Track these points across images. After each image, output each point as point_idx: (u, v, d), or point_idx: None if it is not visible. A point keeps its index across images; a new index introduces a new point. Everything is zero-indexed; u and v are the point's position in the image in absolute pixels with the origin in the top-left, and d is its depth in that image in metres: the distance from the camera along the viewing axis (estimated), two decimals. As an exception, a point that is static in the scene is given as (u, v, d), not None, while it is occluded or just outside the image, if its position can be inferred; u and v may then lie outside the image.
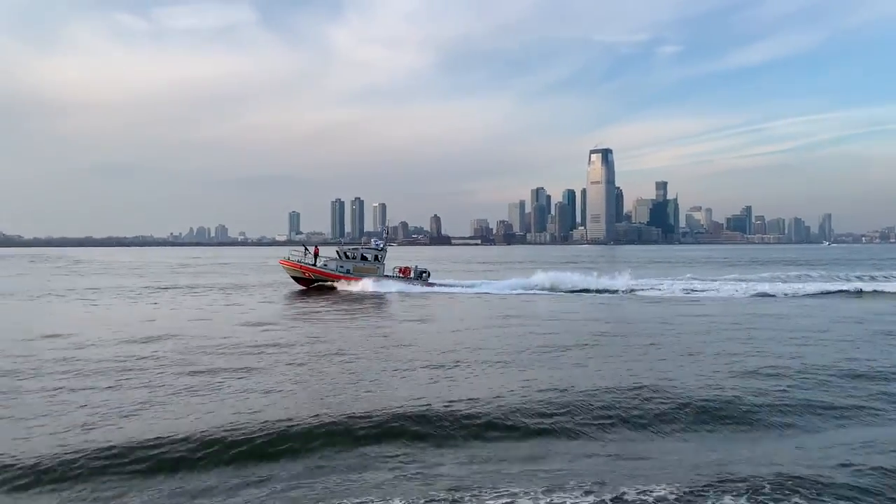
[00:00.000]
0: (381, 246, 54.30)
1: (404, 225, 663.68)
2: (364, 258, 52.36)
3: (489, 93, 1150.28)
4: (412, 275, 52.52)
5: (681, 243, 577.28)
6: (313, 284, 51.48)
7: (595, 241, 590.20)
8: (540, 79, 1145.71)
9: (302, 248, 54.19)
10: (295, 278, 52.89)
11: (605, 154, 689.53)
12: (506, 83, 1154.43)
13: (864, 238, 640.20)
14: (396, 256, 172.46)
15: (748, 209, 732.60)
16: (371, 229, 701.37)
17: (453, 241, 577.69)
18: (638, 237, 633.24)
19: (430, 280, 53.06)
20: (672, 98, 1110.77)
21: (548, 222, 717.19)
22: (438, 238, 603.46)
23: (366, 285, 48.85)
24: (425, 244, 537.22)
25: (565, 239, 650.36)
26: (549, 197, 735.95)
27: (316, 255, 52.70)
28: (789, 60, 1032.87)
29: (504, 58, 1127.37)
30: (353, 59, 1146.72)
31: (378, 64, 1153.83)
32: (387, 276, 51.92)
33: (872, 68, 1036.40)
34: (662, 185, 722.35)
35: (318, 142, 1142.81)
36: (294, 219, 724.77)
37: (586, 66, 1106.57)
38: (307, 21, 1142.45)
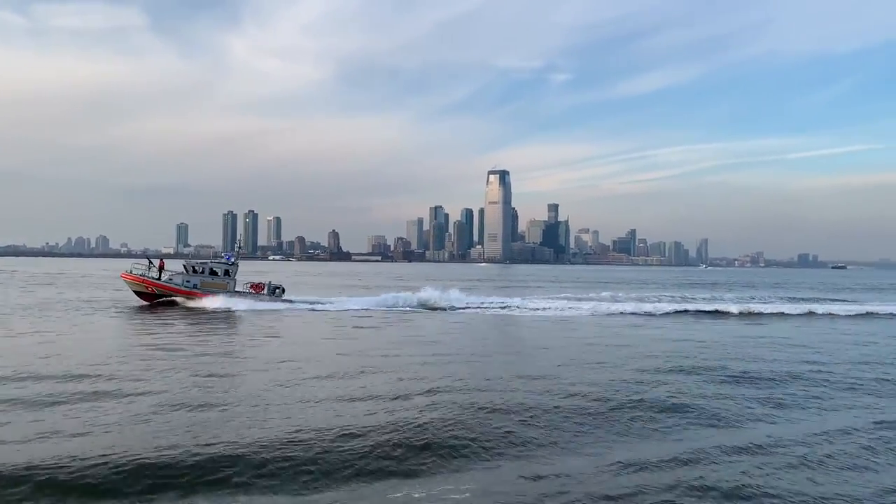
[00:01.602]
0: (232, 260, 51.96)
1: (301, 240, 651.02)
2: (213, 273, 49.89)
3: (388, 110, 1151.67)
4: (265, 291, 50.56)
5: (571, 263, 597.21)
6: (158, 300, 48.59)
7: (492, 260, 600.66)
8: (438, 99, 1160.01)
9: (146, 261, 51.17)
10: (137, 293, 49.67)
11: (503, 175, 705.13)
12: (404, 101, 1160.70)
13: (736, 262, 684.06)
14: (296, 272, 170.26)
15: (633, 232, 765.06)
16: (265, 243, 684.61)
17: (353, 258, 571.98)
18: (532, 256, 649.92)
19: (286, 297, 51.27)
20: (564, 123, 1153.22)
21: (446, 240, 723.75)
22: (339, 254, 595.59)
23: (213, 302, 46.57)
24: (325, 260, 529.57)
25: (463, 257, 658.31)
26: (447, 215, 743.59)
27: (161, 268, 49.81)
28: (673, 92, 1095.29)
29: (403, 76, 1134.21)
30: (250, 68, 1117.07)
31: (275, 75, 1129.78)
32: (238, 291, 49.76)
33: (748, 102, 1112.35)
34: (554, 208, 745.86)
35: (212, 152, 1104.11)
36: (182, 231, 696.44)
37: (483, 89, 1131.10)
38: (202, 28, 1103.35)
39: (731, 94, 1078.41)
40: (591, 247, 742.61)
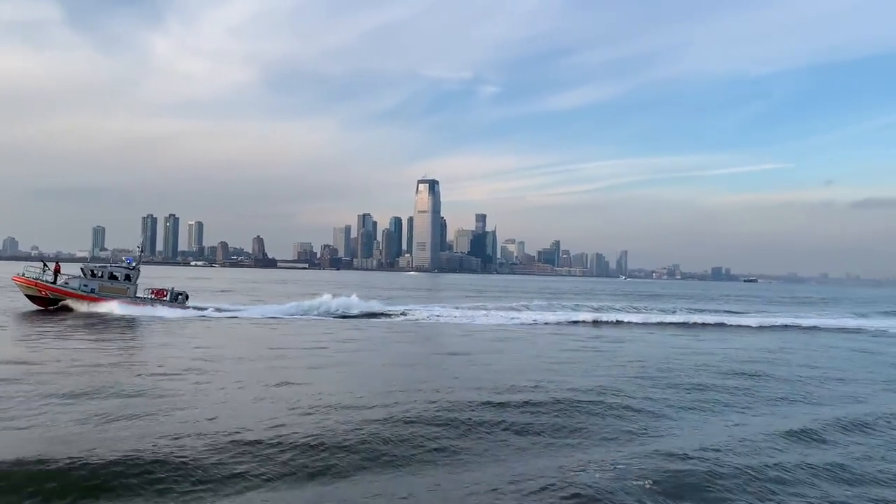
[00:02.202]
0: (134, 264, 50.39)
1: (224, 245, 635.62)
2: (113, 277, 48.30)
3: (315, 115, 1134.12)
4: (168, 297, 49.32)
5: (497, 273, 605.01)
6: (54, 305, 46.70)
7: (420, 269, 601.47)
8: (366, 106, 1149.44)
9: (41, 264, 49.17)
10: (30, 297, 47.65)
11: (432, 185, 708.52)
12: (332, 108, 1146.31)
13: (654, 274, 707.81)
14: (221, 278, 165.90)
15: (557, 243, 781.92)
16: (186, 248, 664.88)
17: (279, 264, 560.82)
18: (460, 266, 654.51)
19: (189, 303, 50.13)
20: (492, 135, 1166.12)
21: (374, 248, 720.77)
22: (264, 261, 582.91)
23: (111, 307, 45.17)
24: (250, 266, 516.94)
25: (391, 265, 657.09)
26: (375, 223, 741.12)
27: (56, 272, 47.92)
28: (597, 108, 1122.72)
29: (331, 83, 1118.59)
30: (174, 68, 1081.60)
31: (200, 76, 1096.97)
32: (139, 297, 48.36)
33: (668, 120, 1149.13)
34: (482, 218, 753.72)
35: (132, 153, 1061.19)
36: (99, 234, 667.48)
37: (412, 98, 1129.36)
38: (122, 24, 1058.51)
39: (653, 112, 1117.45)
40: (517, 257, 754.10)
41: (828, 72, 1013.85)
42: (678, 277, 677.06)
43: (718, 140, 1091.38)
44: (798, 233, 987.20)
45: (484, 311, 58.09)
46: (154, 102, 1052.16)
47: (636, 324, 53.14)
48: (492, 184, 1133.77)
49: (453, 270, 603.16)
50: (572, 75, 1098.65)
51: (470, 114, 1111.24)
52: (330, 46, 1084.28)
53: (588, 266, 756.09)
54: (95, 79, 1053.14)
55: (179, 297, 49.77)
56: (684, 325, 53.94)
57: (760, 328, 53.39)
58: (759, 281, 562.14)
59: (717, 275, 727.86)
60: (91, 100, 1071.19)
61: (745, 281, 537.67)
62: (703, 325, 54.50)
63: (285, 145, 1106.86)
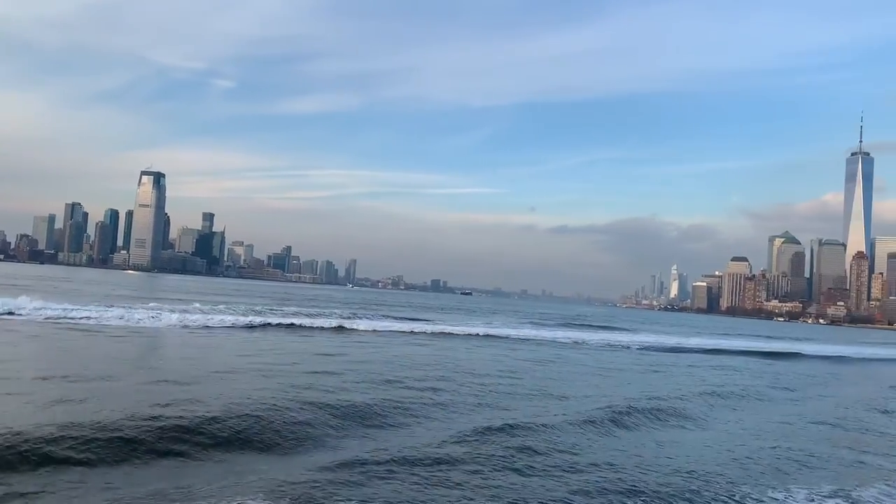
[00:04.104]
0: None
1: None
2: None
3: (19, 88, 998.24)
4: None
5: (224, 276, 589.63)
6: None
7: (138, 267, 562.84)
8: (82, 85, 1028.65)
9: None
10: None
11: (157, 178, 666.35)
12: (41, 81, 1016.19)
13: (380, 283, 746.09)
14: None
15: (288, 249, 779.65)
16: None
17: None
18: (183, 266, 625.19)
19: None
20: (224, 132, 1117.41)
21: (84, 242, 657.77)
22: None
23: None
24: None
25: (105, 262, 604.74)
26: (87, 214, 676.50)
27: None
28: (331, 117, 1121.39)
29: (42, 54, 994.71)
30: None
31: None
32: None
33: (398, 137, 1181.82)
34: (209, 217, 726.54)
35: None
36: None
37: (137, 82, 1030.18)
38: None
39: (384, 128, 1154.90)
40: (245, 261, 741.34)
41: (539, 111, 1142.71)
42: (402, 288, 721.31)
43: (442, 161, 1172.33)
44: (504, 252, 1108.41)
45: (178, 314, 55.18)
46: None
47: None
48: (221, 182, 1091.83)
49: (176, 271, 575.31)
50: (309, 82, 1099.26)
51: (200, 107, 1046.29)
52: (43, 13, 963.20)
53: (318, 273, 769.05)
54: None
55: None
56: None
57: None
58: (473, 294, 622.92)
59: (436, 286, 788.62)
60: None
61: (461, 293, 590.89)
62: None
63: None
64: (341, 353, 40.39)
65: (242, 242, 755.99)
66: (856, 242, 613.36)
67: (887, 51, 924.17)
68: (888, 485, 18.36)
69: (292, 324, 58.48)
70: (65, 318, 47.90)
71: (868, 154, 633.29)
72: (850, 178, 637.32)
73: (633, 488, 15.91)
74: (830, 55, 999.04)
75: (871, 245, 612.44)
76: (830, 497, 16.72)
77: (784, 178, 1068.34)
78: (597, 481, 16.25)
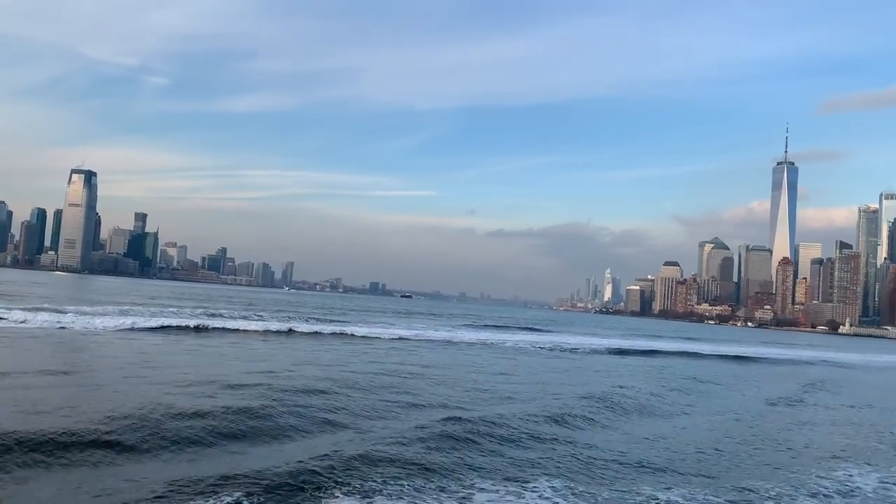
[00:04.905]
0: None
1: None
2: None
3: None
4: None
5: (158, 278, 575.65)
6: None
7: (67, 269, 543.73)
8: (7, 78, 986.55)
9: None
10: None
11: (89, 176, 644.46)
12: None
13: (318, 286, 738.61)
14: None
15: (223, 250, 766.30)
16: None
17: None
18: (115, 268, 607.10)
19: None
20: (157, 130, 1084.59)
21: (9, 242, 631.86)
22: None
23: None
24: None
25: (31, 263, 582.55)
26: (11, 213, 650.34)
27: None
28: (269, 117, 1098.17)
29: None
30: None
31: None
32: None
33: (338, 138, 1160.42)
34: (142, 217, 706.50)
35: None
36: None
37: (66, 76, 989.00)
38: None
39: (324, 128, 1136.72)
40: (178, 262, 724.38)
41: (479, 115, 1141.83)
42: (341, 290, 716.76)
43: (382, 164, 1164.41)
44: (444, 255, 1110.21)
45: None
46: None
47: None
48: (154, 181, 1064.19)
49: (107, 272, 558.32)
50: (247, 81, 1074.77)
51: (134, 104, 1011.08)
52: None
53: (254, 275, 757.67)
54: None
55: None
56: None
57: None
58: (413, 297, 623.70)
59: (375, 289, 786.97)
60: None
61: (402, 296, 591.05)
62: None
63: None
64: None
65: (176, 244, 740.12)
66: (781, 248, 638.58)
67: (812, 65, 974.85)
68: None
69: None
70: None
71: (793, 164, 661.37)
72: (777, 187, 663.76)
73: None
74: (760, 67, 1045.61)
75: (795, 251, 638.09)
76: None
77: (714, 186, 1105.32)
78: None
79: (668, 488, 17.49)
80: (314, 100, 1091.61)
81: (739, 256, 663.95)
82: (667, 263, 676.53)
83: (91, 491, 14.42)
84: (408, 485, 15.82)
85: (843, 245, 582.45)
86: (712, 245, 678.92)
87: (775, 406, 37.66)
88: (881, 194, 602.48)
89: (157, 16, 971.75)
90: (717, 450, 23.26)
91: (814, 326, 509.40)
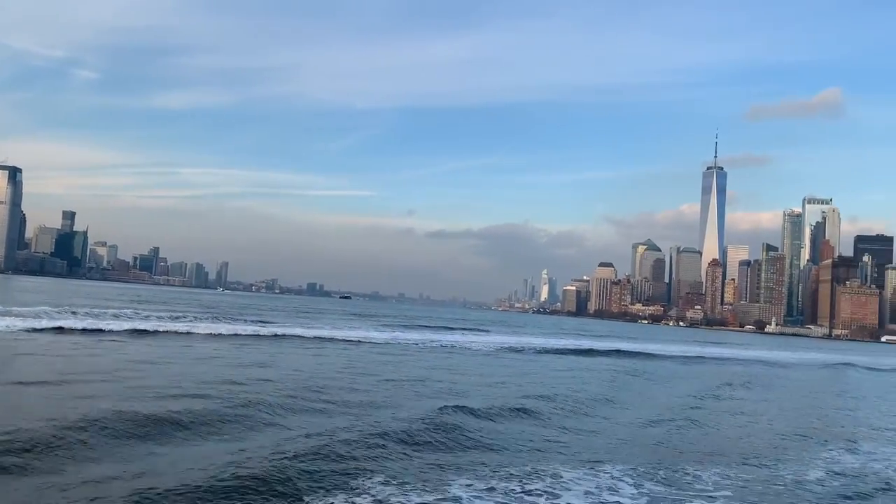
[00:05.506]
0: None
1: None
2: None
3: None
4: None
5: (87, 278, 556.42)
6: None
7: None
8: None
9: None
10: None
11: (13, 172, 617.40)
12: None
13: (253, 287, 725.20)
14: None
15: (156, 250, 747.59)
16: None
17: None
18: (41, 268, 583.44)
19: None
20: (85, 124, 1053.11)
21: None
22: None
23: None
24: None
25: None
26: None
27: None
28: (203, 114, 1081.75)
29: None
30: None
31: None
32: None
33: (275, 136, 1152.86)
34: (70, 215, 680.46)
35: None
36: None
37: None
38: None
39: (261, 126, 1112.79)
40: (109, 262, 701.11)
41: (419, 115, 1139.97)
42: (277, 291, 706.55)
43: (320, 163, 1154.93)
44: (383, 256, 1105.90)
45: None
46: None
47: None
48: (83, 178, 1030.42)
49: (33, 273, 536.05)
50: (181, 76, 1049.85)
51: (62, 97, 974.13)
52: None
53: (187, 276, 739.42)
54: None
55: None
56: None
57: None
58: (352, 298, 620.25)
59: (312, 290, 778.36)
60: None
61: (340, 297, 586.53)
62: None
63: None
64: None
65: (106, 243, 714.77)
66: (710, 250, 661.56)
67: (743, 72, 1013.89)
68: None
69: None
70: None
71: (722, 168, 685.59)
72: (706, 191, 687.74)
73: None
74: (693, 74, 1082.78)
75: (724, 253, 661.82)
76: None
77: (647, 189, 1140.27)
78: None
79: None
80: (250, 97, 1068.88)
81: (671, 258, 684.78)
82: (601, 264, 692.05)
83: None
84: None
85: (769, 247, 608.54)
86: (645, 247, 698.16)
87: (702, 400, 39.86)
88: (804, 199, 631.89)
89: (87, 8, 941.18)
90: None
91: (742, 326, 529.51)
